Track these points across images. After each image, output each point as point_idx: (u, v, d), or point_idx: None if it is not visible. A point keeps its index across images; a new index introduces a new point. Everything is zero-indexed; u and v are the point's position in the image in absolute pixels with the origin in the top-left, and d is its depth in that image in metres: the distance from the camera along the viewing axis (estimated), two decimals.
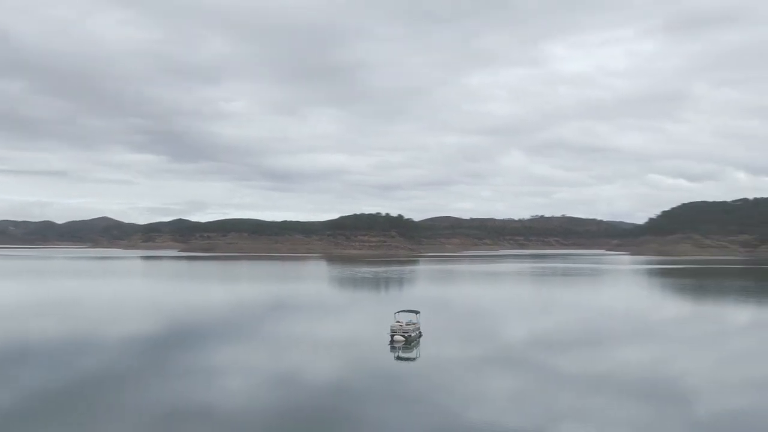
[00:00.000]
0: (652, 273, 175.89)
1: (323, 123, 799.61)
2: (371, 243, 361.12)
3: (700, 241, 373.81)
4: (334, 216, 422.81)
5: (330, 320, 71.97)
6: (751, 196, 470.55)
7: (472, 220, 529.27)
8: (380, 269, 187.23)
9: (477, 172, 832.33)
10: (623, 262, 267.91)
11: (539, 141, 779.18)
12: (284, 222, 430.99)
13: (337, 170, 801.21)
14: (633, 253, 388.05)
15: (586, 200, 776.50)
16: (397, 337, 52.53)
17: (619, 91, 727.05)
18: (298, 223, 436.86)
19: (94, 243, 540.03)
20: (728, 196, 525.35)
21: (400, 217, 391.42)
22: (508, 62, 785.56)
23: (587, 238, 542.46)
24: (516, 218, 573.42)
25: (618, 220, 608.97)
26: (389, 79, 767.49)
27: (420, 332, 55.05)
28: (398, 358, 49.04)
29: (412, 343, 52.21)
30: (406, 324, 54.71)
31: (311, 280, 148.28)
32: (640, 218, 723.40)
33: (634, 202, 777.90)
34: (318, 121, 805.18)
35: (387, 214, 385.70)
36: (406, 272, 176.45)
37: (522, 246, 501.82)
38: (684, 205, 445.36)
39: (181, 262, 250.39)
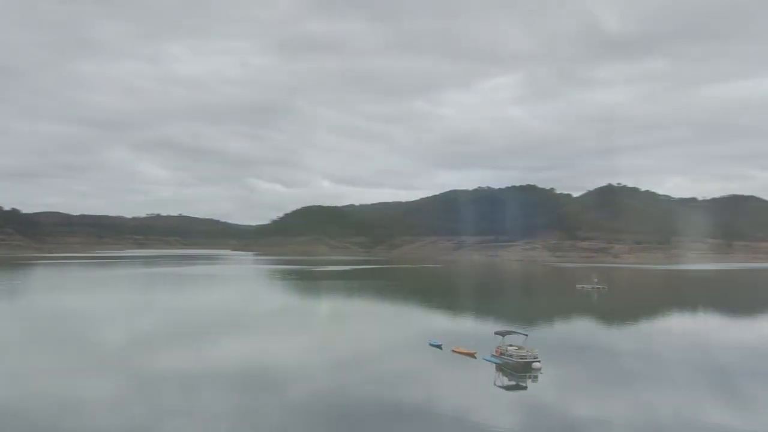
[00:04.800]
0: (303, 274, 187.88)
1: None
2: None
3: (328, 242, 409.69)
4: None
5: None
6: (336, 203, 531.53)
7: (83, 216, 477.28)
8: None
9: (74, 165, 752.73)
10: (258, 262, 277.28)
11: (145, 138, 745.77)
12: None
13: None
14: (262, 254, 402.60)
15: (189, 200, 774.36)
16: (536, 365, 47.38)
17: (230, 98, 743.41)
18: None
19: None
20: (316, 201, 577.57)
21: (15, 211, 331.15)
22: (123, 55, 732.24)
23: (206, 237, 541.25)
24: (129, 216, 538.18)
25: (220, 219, 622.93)
26: None
27: None
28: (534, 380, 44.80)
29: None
30: (522, 348, 49.56)
31: None
32: (240, 219, 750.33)
33: (235, 204, 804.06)
34: None
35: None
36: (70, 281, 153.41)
37: (142, 245, 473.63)
38: (305, 208, 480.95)
39: None
